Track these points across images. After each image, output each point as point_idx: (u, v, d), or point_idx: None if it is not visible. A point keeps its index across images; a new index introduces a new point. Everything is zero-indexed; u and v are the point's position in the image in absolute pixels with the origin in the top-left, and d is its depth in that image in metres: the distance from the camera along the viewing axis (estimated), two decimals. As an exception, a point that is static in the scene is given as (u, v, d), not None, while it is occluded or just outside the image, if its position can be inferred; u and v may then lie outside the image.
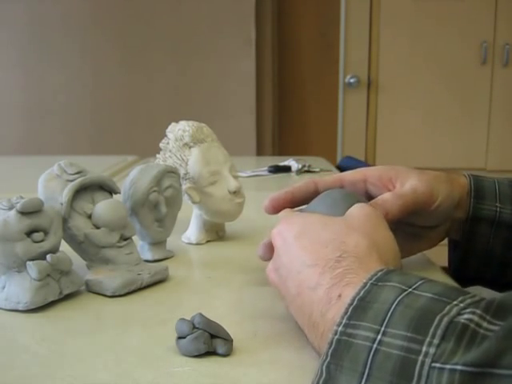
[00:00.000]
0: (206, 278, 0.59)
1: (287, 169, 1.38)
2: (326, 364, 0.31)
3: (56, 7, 2.55)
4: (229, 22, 2.55)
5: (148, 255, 0.63)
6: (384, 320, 0.30)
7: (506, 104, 2.76)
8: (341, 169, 1.60)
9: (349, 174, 0.56)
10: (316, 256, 0.38)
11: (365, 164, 1.92)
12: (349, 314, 0.32)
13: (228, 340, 0.40)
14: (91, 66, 2.61)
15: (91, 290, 0.53)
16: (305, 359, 0.39)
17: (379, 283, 0.33)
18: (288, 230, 0.43)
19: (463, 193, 0.55)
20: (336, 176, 0.56)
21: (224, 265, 0.62)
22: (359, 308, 0.32)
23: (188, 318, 0.41)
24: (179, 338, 0.40)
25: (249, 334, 0.43)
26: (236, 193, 0.68)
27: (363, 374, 0.29)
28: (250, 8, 2.53)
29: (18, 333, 0.45)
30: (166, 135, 0.70)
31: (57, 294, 0.49)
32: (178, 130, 0.69)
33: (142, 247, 0.63)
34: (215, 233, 0.72)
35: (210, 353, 0.39)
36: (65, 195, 0.53)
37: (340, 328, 0.31)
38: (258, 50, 2.59)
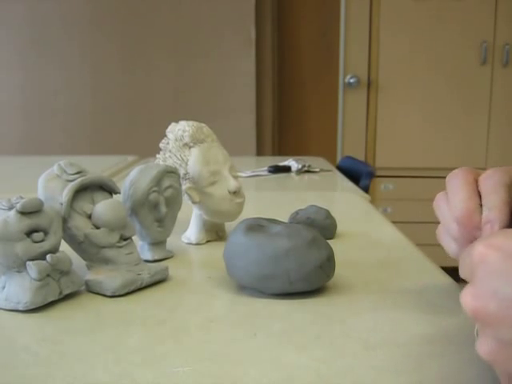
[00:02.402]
0: (206, 277, 0.59)
1: (287, 169, 1.38)
2: None
3: (56, 7, 2.56)
4: (229, 22, 2.55)
5: (148, 255, 0.63)
6: None
7: (506, 104, 2.76)
8: (341, 169, 1.60)
9: None
10: None
11: (365, 164, 1.92)
12: None
13: None
14: (91, 65, 2.61)
15: (91, 289, 0.53)
16: (305, 359, 0.39)
17: None
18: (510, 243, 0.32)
19: None
20: None
21: (224, 265, 0.62)
22: None
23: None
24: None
25: (249, 334, 0.43)
26: (236, 193, 0.68)
27: None
28: (249, 8, 2.54)
29: (17, 333, 0.45)
30: (165, 135, 0.70)
31: (57, 293, 0.49)
32: (178, 130, 0.69)
33: (142, 247, 0.63)
34: (215, 233, 0.72)
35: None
36: (65, 195, 0.53)
37: None
38: (258, 50, 2.59)
